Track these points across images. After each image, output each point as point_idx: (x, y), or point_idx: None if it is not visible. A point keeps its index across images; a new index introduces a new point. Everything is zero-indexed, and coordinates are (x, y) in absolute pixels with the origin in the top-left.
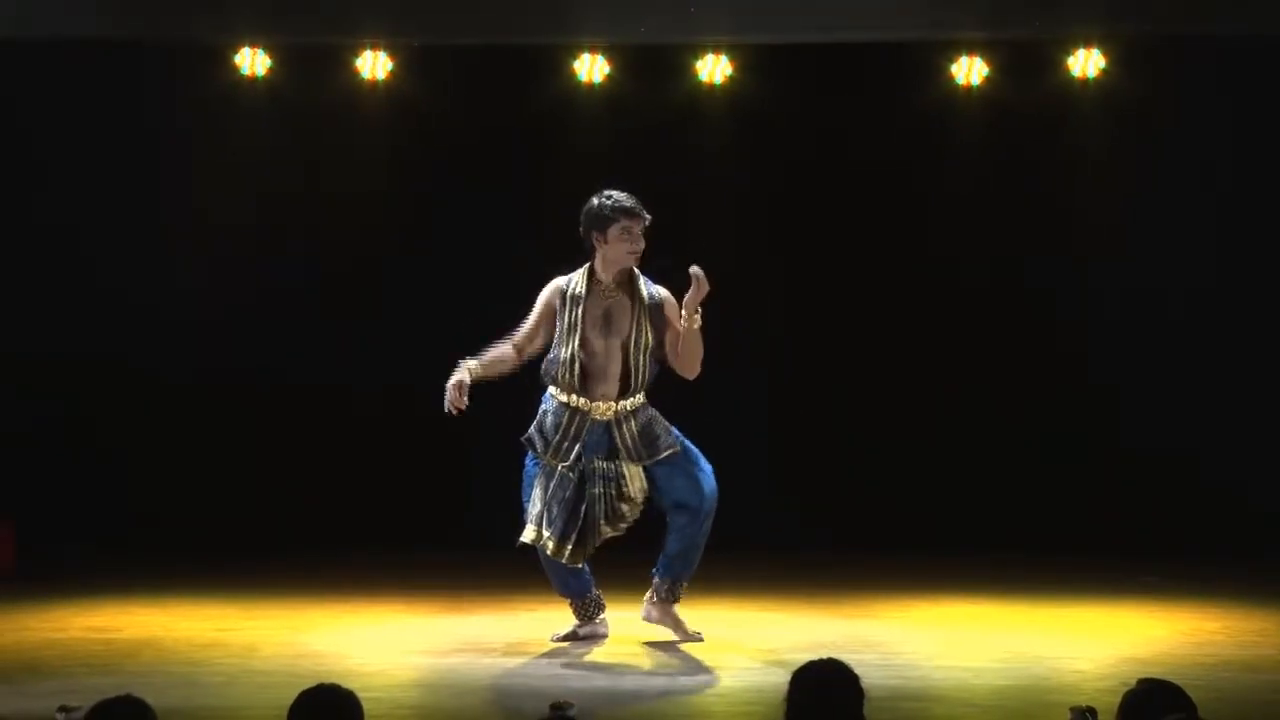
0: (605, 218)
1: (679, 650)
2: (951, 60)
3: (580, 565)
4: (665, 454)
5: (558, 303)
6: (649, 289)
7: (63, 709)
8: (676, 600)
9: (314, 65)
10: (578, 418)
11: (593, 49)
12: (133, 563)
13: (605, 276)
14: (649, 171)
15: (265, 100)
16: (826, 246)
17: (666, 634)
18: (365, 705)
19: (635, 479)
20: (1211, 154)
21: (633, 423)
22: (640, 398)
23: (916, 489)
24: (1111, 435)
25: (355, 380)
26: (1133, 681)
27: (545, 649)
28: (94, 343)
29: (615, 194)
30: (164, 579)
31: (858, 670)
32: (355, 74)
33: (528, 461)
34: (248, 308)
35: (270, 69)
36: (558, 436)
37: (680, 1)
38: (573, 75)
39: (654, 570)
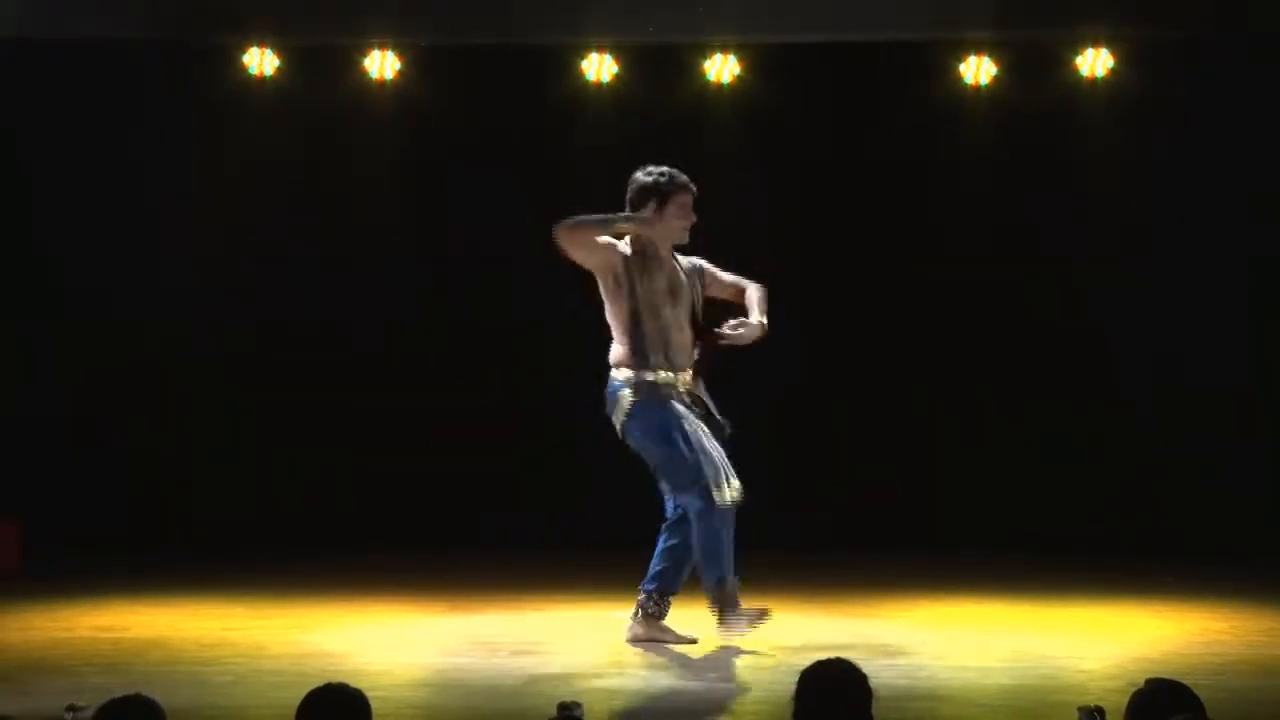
0: (665, 191)
1: (686, 649)
2: (960, 60)
3: None
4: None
5: (621, 266)
6: (684, 257)
7: (71, 708)
8: (663, 616)
9: (322, 65)
10: (661, 391)
11: (600, 48)
12: (140, 562)
13: (663, 249)
14: None
15: (273, 100)
16: (834, 245)
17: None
18: (373, 704)
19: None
20: (1220, 153)
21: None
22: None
23: (921, 488)
24: (1117, 435)
25: (364, 380)
26: (1140, 681)
27: (553, 648)
28: (98, 343)
29: (668, 169)
30: (171, 578)
31: (865, 670)
32: (363, 74)
33: (642, 424)
34: (253, 307)
35: (278, 69)
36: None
37: (688, 1)
38: (581, 75)
39: (642, 585)
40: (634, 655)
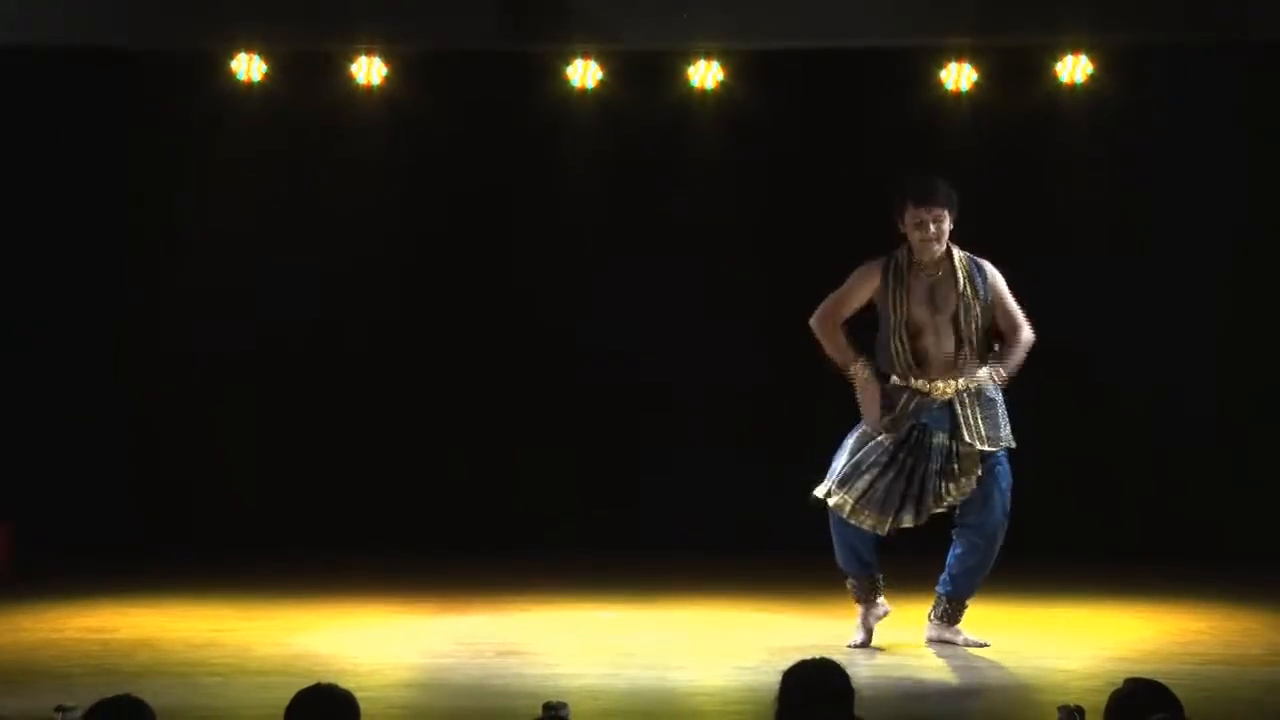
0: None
1: (671, 649)
2: (941, 66)
3: (874, 534)
4: (1004, 445)
5: (878, 282)
6: (972, 264)
7: (60, 709)
8: (957, 621)
9: (310, 71)
10: (916, 398)
11: (585, 55)
12: (129, 563)
13: (922, 257)
14: (641, 176)
15: (261, 105)
16: (817, 251)
17: (661, 634)
18: (360, 705)
19: (970, 459)
20: (1198, 159)
21: (977, 406)
22: (983, 374)
23: None
24: (1099, 435)
25: (351, 383)
26: (1120, 681)
27: (539, 649)
28: (92, 346)
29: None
30: (160, 579)
31: (848, 669)
32: (350, 79)
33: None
34: (241, 312)
35: (266, 74)
36: (896, 413)
37: (673, 7)
38: (566, 81)
39: (938, 587)
40: (619, 654)
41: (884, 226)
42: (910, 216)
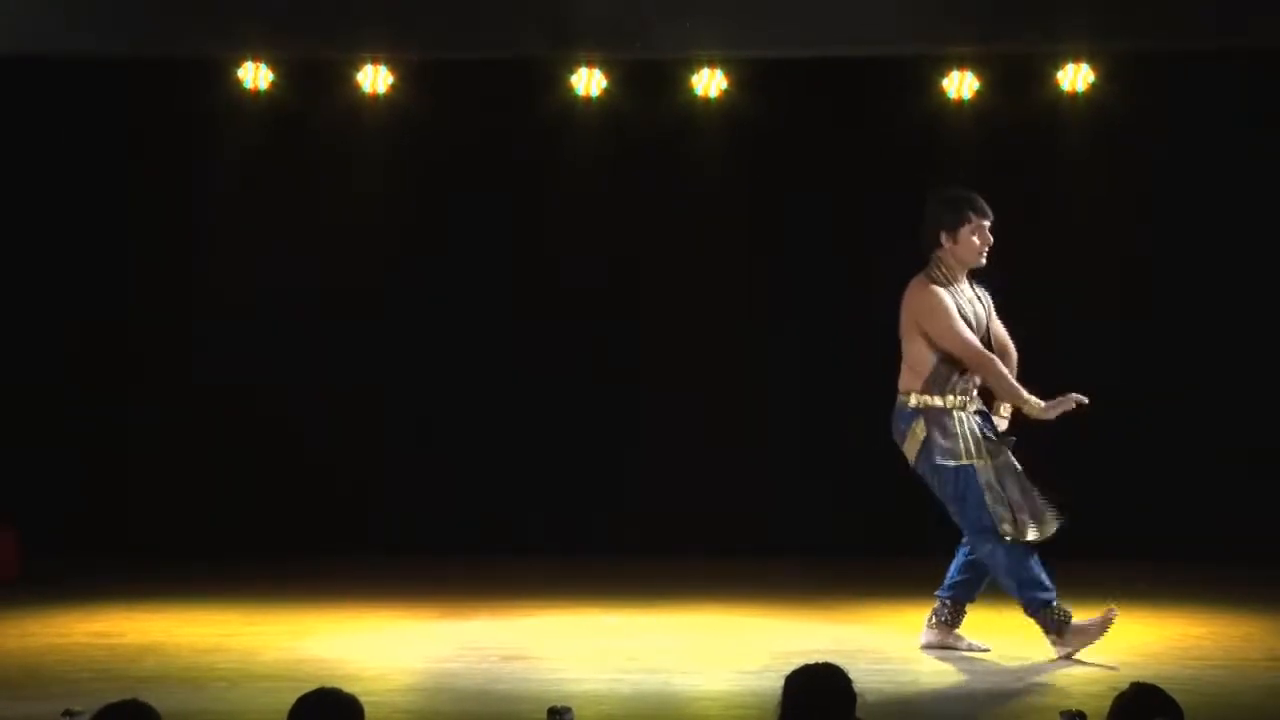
0: (959, 214)
1: (675, 654)
2: (943, 74)
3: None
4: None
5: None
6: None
7: (67, 714)
8: (957, 626)
9: (316, 79)
10: (978, 416)
11: (590, 63)
12: (135, 568)
13: (960, 274)
14: (645, 184)
15: (267, 113)
16: (820, 257)
17: (665, 638)
18: (365, 709)
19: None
20: (1200, 165)
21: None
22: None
23: (906, 493)
24: (1099, 438)
25: (354, 387)
26: (1121, 686)
27: (543, 653)
28: (92, 348)
29: (962, 191)
30: (166, 584)
31: (850, 674)
32: (356, 88)
33: (957, 475)
34: (247, 316)
35: (272, 83)
36: (973, 439)
37: (676, 16)
38: (570, 89)
39: (939, 592)
40: (622, 658)
41: (885, 229)
42: (973, 227)
